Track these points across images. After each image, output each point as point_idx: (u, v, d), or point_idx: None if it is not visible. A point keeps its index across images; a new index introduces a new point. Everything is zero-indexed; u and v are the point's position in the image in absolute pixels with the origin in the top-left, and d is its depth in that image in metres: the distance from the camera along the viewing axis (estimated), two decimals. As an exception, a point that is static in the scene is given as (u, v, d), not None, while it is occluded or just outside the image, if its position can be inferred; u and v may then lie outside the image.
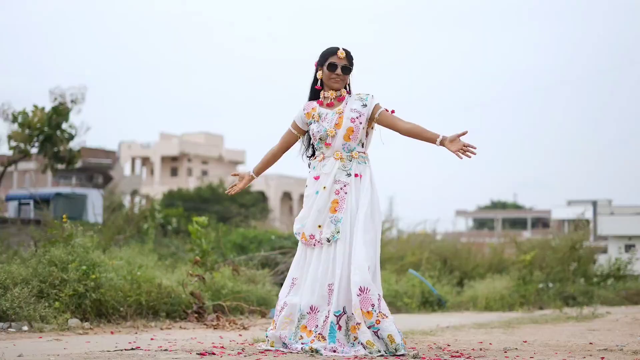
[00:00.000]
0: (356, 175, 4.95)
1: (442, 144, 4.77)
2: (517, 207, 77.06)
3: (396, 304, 11.21)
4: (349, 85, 5.14)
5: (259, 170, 5.30)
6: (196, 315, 7.71)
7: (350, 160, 4.96)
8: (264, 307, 8.99)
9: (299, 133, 5.18)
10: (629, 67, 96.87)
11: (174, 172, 63.53)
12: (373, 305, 4.66)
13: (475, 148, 4.70)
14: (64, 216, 7.85)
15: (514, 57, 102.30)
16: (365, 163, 5.01)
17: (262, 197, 55.35)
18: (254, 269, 11.16)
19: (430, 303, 11.96)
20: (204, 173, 62.60)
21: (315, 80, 5.11)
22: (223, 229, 17.00)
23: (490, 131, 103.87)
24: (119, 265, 8.15)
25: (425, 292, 12.10)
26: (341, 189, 4.94)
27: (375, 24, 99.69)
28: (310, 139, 5.15)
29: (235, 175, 5.35)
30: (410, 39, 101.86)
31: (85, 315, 7.07)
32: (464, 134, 4.75)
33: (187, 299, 7.91)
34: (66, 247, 7.45)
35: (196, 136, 64.21)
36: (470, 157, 4.73)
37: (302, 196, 64.52)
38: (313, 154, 5.18)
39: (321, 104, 5.09)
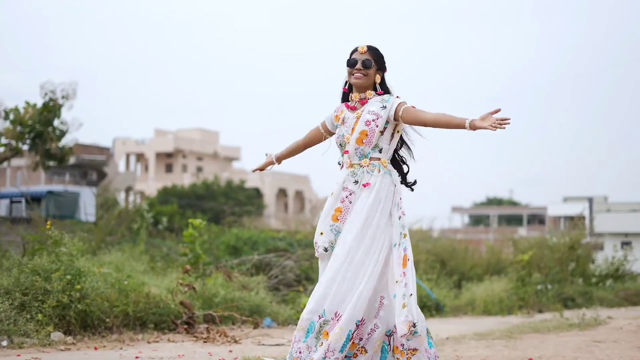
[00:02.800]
0: (365, 184, 4.60)
1: (472, 126, 4.40)
2: (513, 203, 76.89)
3: (393, 309, 10.90)
4: (380, 85, 4.75)
5: (281, 157, 5.05)
6: (186, 326, 7.39)
7: (361, 167, 4.64)
8: (256, 315, 8.69)
9: (327, 133, 4.89)
10: (627, 66, 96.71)
11: (169, 169, 63.17)
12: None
13: (509, 119, 4.34)
14: (48, 223, 7.53)
15: (511, 56, 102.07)
16: (379, 172, 4.62)
17: (257, 193, 55.05)
18: (247, 274, 10.87)
19: (428, 308, 11.68)
20: (199, 169, 62.26)
21: (345, 82, 4.82)
22: (216, 229, 16.70)
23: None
24: (106, 273, 7.84)
25: (423, 296, 11.81)
26: (347, 197, 4.61)
27: (371, 20, 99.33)
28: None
29: (267, 154, 5.09)
30: (408, 36, 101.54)
31: (69, 328, 6.74)
32: (496, 111, 4.39)
33: (176, 308, 7.59)
34: (50, 256, 7.14)
35: (191, 132, 63.86)
36: (504, 128, 4.35)
37: (297, 192, 64.41)
38: None
39: (348, 107, 4.78)
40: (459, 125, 4.47)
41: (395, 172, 4.68)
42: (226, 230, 17.00)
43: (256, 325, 7.87)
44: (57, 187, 30.08)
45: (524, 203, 75.28)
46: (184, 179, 57.76)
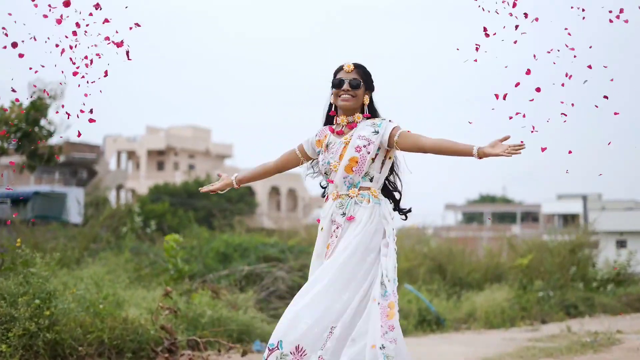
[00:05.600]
0: (349, 218, 4.11)
1: (480, 154, 3.92)
2: (506, 201, 76.44)
3: (392, 325, 10.27)
4: (369, 107, 4.29)
5: (242, 180, 4.54)
6: (167, 354, 6.72)
7: (350, 198, 4.14)
8: (245, 336, 8.06)
9: (304, 157, 4.41)
10: (622, 64, 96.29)
11: (161, 166, 62.47)
12: None
13: (523, 145, 3.91)
14: (18, 240, 6.87)
15: (507, 52, 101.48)
16: (368, 203, 4.13)
17: (249, 191, 54.48)
18: (236, 288, 10.28)
19: (428, 322, 11.08)
20: (191, 167, 61.58)
21: (330, 105, 4.33)
22: (206, 235, 16.07)
23: (479, 125, 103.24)
24: (80, 294, 7.16)
25: (422, 309, 11.21)
26: (334, 231, 4.15)
27: (368, 18, 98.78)
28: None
29: (220, 175, 4.61)
30: (406, 34, 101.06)
31: (37, 359, 6.07)
32: (505, 138, 3.92)
33: (157, 334, 6.91)
34: (18, 277, 6.47)
35: (183, 130, 63.14)
36: (520, 153, 3.90)
37: (290, 191, 63.75)
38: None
39: (333, 132, 4.30)
40: (465, 152, 3.99)
41: (386, 202, 4.21)
42: (216, 235, 16.37)
43: (244, 353, 7.18)
44: (43, 188, 29.46)
45: (517, 200, 74.78)
46: (176, 177, 57.10)
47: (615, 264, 18.96)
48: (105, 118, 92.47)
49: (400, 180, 4.36)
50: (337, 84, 4.22)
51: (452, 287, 14.77)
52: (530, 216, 70.97)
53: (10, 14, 4.25)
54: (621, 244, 44.47)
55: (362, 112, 4.24)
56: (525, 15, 4.61)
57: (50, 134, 21.87)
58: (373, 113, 4.27)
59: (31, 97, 21.00)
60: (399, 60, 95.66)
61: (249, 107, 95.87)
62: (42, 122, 21.63)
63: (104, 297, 7.30)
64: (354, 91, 4.19)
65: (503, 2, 4.64)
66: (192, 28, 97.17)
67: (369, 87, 4.28)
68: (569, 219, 59.07)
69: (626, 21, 4.59)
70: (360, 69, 4.25)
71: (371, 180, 4.17)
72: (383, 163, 4.21)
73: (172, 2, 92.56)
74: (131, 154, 62.12)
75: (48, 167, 29.96)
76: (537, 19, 4.67)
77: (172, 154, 61.85)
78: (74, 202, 23.16)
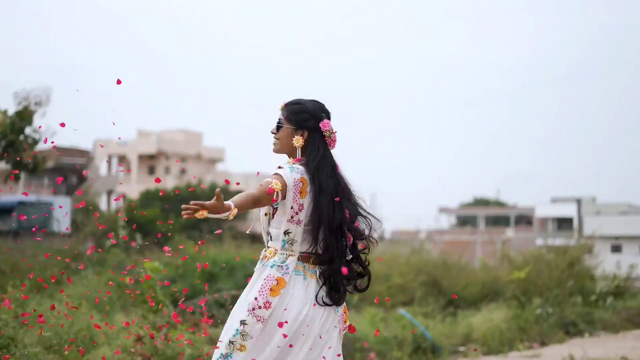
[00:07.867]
0: None
1: None
2: (499, 204, 76.00)
3: (386, 356, 9.73)
4: (303, 149, 3.73)
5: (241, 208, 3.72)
6: (139, 405, 6.17)
7: None
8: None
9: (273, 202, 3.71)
10: (617, 65, 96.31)
11: (152, 171, 61.84)
12: None
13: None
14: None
15: (500, 54, 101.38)
16: None
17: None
18: (221, 313, 9.71)
19: (424, 350, 10.52)
20: (182, 171, 61.00)
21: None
22: (191, 250, 15.52)
23: (474, 127, 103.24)
24: (48, 336, 6.58)
25: (417, 335, 10.64)
26: None
27: (361, 16, 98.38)
28: None
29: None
30: (400, 32, 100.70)
31: (-7, 415, 5.52)
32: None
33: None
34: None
35: (174, 133, 62.53)
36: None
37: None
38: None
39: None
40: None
41: None
42: (203, 250, 15.84)
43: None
44: (28, 197, 28.93)
45: (511, 203, 74.28)
46: (167, 181, 56.50)
47: (615, 278, 18.50)
48: (96, 121, 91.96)
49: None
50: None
51: (448, 306, 14.26)
52: (524, 219, 70.59)
53: None
54: (616, 249, 44.11)
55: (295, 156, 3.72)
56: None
57: (35, 142, 21.41)
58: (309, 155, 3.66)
59: (19, 104, 20.54)
60: (399, 62, 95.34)
61: (242, 111, 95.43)
62: (28, 130, 21.19)
63: (69, 343, 6.70)
64: (279, 135, 3.73)
65: None
66: (184, 31, 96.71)
67: (301, 126, 3.69)
68: (563, 223, 58.71)
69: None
70: (290, 106, 3.72)
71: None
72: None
73: (166, 6, 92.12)
74: (122, 158, 61.49)
75: (34, 175, 29.43)
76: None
77: (164, 158, 61.25)
78: (64, 209, 22.74)
